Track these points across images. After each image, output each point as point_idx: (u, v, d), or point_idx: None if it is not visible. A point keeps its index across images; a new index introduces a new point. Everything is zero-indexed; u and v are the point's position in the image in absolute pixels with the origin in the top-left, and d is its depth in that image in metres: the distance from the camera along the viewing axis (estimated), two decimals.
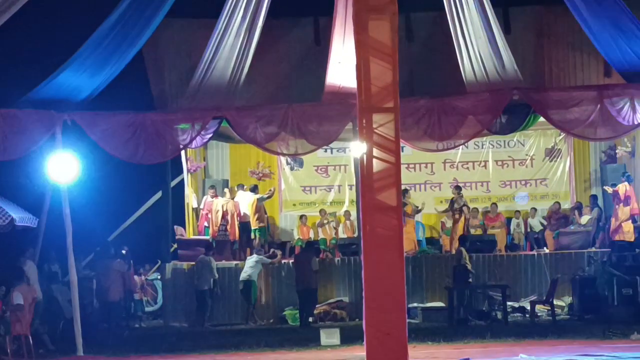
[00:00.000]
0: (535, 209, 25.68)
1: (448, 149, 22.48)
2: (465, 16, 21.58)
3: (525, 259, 23.39)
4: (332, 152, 26.77)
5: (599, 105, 20.12)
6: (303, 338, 19.26)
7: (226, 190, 25.14)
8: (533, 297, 22.28)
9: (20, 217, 19.98)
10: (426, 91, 22.08)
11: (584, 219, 24.68)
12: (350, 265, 22.95)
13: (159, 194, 24.95)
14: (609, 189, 24.25)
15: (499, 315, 21.48)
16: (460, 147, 24.30)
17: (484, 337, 18.48)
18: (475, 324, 21.03)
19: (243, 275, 22.50)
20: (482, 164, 27.08)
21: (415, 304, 22.32)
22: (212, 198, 24.73)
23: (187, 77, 22.58)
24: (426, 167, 27.06)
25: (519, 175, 27.07)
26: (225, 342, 19.14)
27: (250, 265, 22.58)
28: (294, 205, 27.25)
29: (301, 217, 26.00)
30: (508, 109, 20.83)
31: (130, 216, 26.26)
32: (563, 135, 25.88)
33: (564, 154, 26.94)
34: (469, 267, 21.69)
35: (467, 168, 27.09)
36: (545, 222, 25.18)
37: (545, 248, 24.27)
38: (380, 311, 12.20)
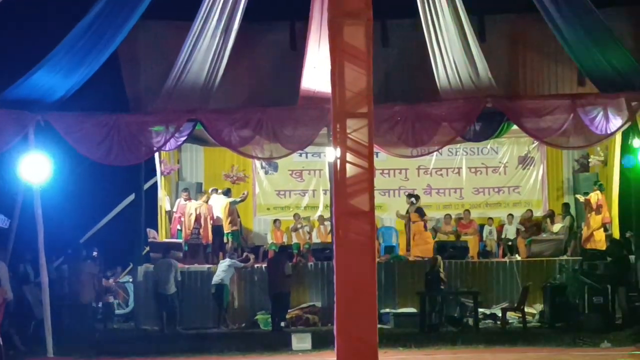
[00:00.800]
0: (512, 216, 25.74)
1: (422, 155, 22.53)
2: (440, 24, 21.64)
3: (497, 266, 23.46)
4: (307, 157, 26.76)
5: (572, 114, 20.24)
6: (274, 342, 19.25)
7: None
8: (504, 304, 22.35)
9: None
10: (401, 98, 22.13)
11: (556, 227, 24.80)
12: (323, 270, 22.98)
13: (132, 197, 24.84)
14: (581, 198, 24.41)
15: (470, 321, 21.51)
16: (434, 153, 24.39)
17: (455, 344, 18.53)
18: (446, 330, 21.06)
19: (215, 279, 22.47)
20: (456, 170, 27.16)
21: (387, 310, 22.37)
22: (186, 201, 24.70)
23: (162, 79, 22.47)
24: (400, 173, 27.11)
25: (492, 182, 27.16)
26: (197, 346, 19.12)
27: (222, 269, 22.55)
28: (268, 209, 27.23)
29: (275, 221, 25.98)
30: (482, 116, 20.92)
31: (103, 218, 26.14)
32: (536, 143, 26.00)
33: (537, 162, 27.06)
34: (443, 275, 21.73)
35: (441, 175, 27.16)
36: (522, 229, 25.25)
37: (517, 255, 24.34)
38: (351, 316, 12.22)
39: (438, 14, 21.59)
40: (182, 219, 24.51)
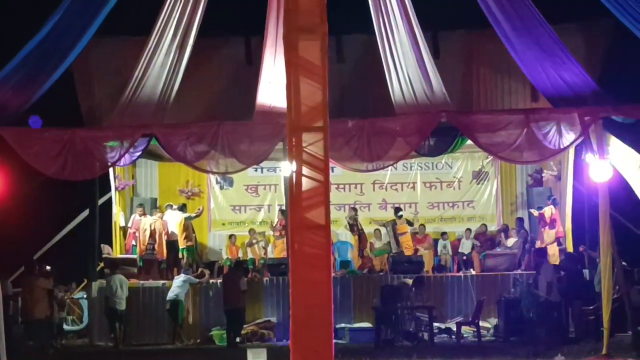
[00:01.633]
0: (470, 230, 25.79)
1: (377, 169, 22.62)
2: (395, 39, 21.82)
3: (452, 281, 23.55)
4: (262, 172, 26.72)
5: (525, 129, 20.41)
6: (230, 358, 19.24)
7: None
8: (459, 319, 22.42)
9: None
10: (356, 113, 22.22)
11: (510, 242, 24.93)
12: (279, 285, 22.93)
13: (86, 212, 24.69)
14: (535, 212, 24.60)
15: (426, 336, 21.52)
16: (390, 168, 24.51)
17: (410, 358, 18.51)
18: (402, 344, 21.07)
19: (170, 295, 22.36)
20: (411, 185, 27.22)
21: (342, 324, 22.37)
22: (141, 216, 24.58)
23: (116, 94, 22.45)
24: (356, 187, 27.15)
25: (447, 197, 27.25)
26: None
27: (177, 285, 22.45)
28: (223, 224, 27.15)
29: (230, 236, 25.87)
30: (436, 131, 21.05)
31: (57, 234, 25.95)
32: (490, 158, 26.15)
33: (491, 177, 27.20)
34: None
35: (396, 189, 27.22)
36: (477, 243, 25.36)
37: (472, 270, 24.43)
38: (306, 330, 12.17)
39: (393, 30, 21.77)
40: (137, 234, 24.39)
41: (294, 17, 12.34)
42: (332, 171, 22.05)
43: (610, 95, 21.15)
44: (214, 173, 24.08)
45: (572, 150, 23.25)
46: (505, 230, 25.54)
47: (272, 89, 21.48)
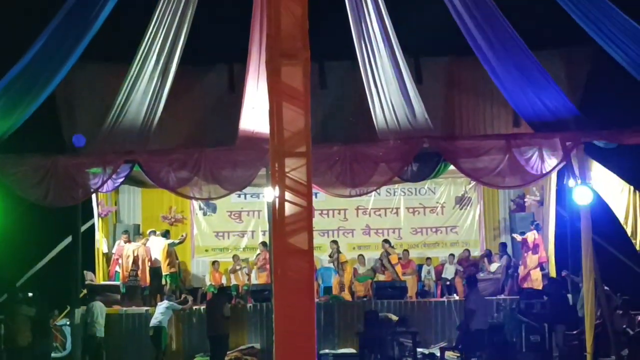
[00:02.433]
0: (453, 255, 25.80)
1: (360, 195, 22.56)
2: (377, 65, 21.89)
3: (435, 306, 23.52)
4: (245, 198, 26.71)
5: (507, 155, 20.48)
6: None
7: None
8: (443, 344, 22.39)
9: None
10: (339, 138, 22.27)
11: (494, 267, 24.94)
12: (262, 312, 22.86)
13: (69, 239, 24.59)
14: (518, 237, 24.64)
15: None
16: (373, 193, 24.53)
17: None
18: None
19: (153, 321, 22.24)
20: (394, 210, 27.24)
21: (326, 350, 22.28)
22: (126, 243, 24.52)
23: (99, 121, 22.42)
24: (339, 213, 27.15)
25: (430, 222, 27.28)
26: None
27: (160, 311, 22.33)
28: (207, 250, 27.10)
29: (213, 262, 25.82)
30: (419, 157, 21.08)
31: (40, 260, 25.82)
32: (473, 183, 26.22)
33: (474, 202, 27.24)
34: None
35: (379, 215, 27.23)
36: (460, 268, 25.37)
37: (455, 295, 24.43)
38: (290, 356, 12.17)
39: (375, 55, 21.84)
40: (120, 260, 24.32)
41: (276, 43, 12.42)
42: (316, 197, 22.05)
43: (591, 121, 21.26)
44: (197, 199, 24.06)
45: (554, 175, 23.32)
46: (488, 255, 25.54)
47: (255, 114, 21.48)
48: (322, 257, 26.05)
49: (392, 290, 23.68)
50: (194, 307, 23.34)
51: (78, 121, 24.42)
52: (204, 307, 22.95)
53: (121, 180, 21.34)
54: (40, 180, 19.98)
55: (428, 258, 25.94)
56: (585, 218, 19.87)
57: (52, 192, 20.06)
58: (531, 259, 24.11)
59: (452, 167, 21.54)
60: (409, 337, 21.74)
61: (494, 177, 21.06)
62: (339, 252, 25.11)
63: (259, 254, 25.17)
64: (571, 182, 20.63)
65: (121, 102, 21.71)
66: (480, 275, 24.74)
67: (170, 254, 24.59)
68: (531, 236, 24.22)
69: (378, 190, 24.19)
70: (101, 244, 25.29)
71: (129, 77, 21.64)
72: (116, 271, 24.63)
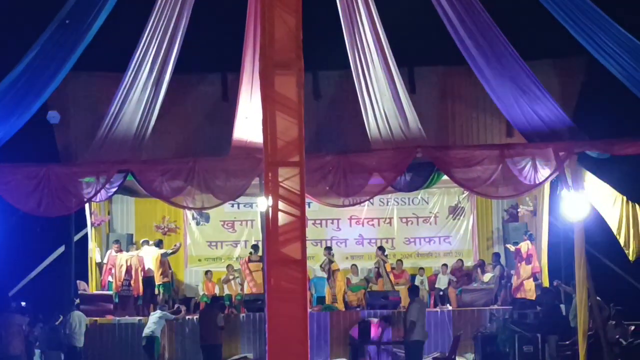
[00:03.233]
0: (446, 265, 25.82)
1: (353, 204, 22.58)
2: (370, 75, 21.91)
3: (428, 316, 23.40)
4: (238, 207, 26.71)
5: (501, 164, 20.49)
6: None
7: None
8: (436, 354, 22.36)
9: None
10: (332, 148, 22.29)
11: (487, 277, 24.93)
12: (256, 321, 22.83)
13: (62, 248, 24.59)
14: (512, 247, 24.64)
15: None
16: (366, 203, 24.53)
17: None
18: None
19: (146, 331, 22.18)
20: (387, 220, 27.26)
21: None
22: (117, 252, 24.49)
23: (92, 130, 22.41)
24: (332, 223, 27.16)
25: (423, 232, 27.30)
26: None
27: (153, 321, 22.27)
28: (200, 260, 27.08)
29: (206, 272, 25.81)
30: (412, 166, 21.09)
31: (33, 270, 25.79)
32: (466, 193, 26.25)
33: (467, 212, 27.26)
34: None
35: (373, 224, 27.26)
36: (453, 278, 25.37)
37: (448, 305, 24.42)
38: None
39: (369, 65, 21.88)
40: (113, 270, 24.29)
41: (270, 53, 12.43)
42: (309, 206, 22.09)
43: (585, 131, 21.30)
44: (190, 209, 24.07)
45: (547, 186, 23.34)
46: (481, 265, 25.54)
47: (248, 124, 21.49)
48: (315, 267, 26.02)
49: (385, 300, 23.67)
50: (187, 317, 23.27)
51: (71, 130, 24.43)
52: (197, 316, 22.91)
53: (114, 189, 21.31)
54: (34, 190, 19.95)
55: (421, 268, 25.95)
56: (579, 228, 19.89)
57: (45, 202, 20.02)
58: (524, 269, 24.11)
59: (445, 177, 21.55)
60: (402, 347, 21.70)
61: (487, 187, 21.07)
62: (330, 261, 25.06)
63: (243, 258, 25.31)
64: (564, 193, 20.64)
65: (115, 111, 21.69)
66: (474, 285, 24.74)
67: (164, 263, 24.57)
68: (524, 246, 24.22)
69: (371, 200, 24.17)
70: (94, 253, 25.24)
71: (122, 87, 21.63)
72: (109, 281, 24.56)
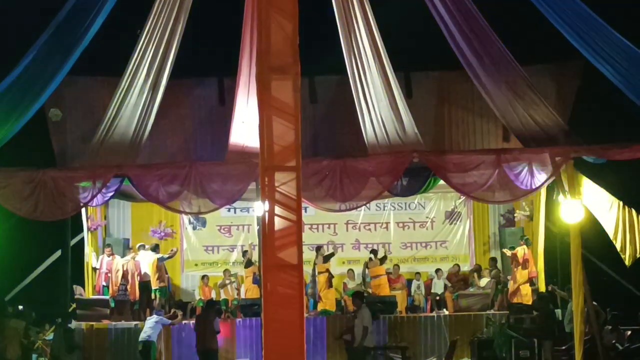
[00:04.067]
0: (440, 270, 25.80)
1: (350, 209, 22.62)
2: (367, 80, 21.93)
3: (425, 321, 23.48)
4: (235, 212, 26.70)
5: (497, 169, 20.51)
6: None
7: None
8: (432, 359, 22.38)
9: None
10: (329, 152, 22.29)
11: (483, 282, 24.93)
12: (252, 326, 22.82)
13: (58, 253, 24.57)
14: (508, 252, 24.63)
15: None
16: (363, 208, 24.54)
17: None
18: None
19: (142, 336, 22.14)
20: (384, 225, 27.24)
21: None
22: (109, 257, 24.48)
23: (89, 135, 22.43)
24: (329, 227, 27.14)
25: (420, 237, 27.28)
26: None
27: (149, 326, 22.25)
28: (196, 265, 27.06)
29: (203, 277, 25.78)
30: (409, 171, 21.11)
31: (29, 275, 25.77)
32: (463, 198, 26.24)
33: (463, 217, 27.26)
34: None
35: (369, 229, 27.23)
36: (449, 283, 25.36)
37: (445, 310, 24.43)
38: None
39: (365, 70, 21.89)
40: (109, 275, 24.27)
41: (266, 58, 12.42)
42: (305, 211, 22.08)
43: (581, 136, 21.32)
44: (186, 213, 24.04)
45: (543, 191, 23.38)
46: (478, 270, 25.55)
47: (245, 128, 21.50)
48: (311, 272, 26.01)
49: (382, 304, 23.65)
50: (184, 322, 23.27)
51: (67, 135, 24.43)
52: (194, 321, 22.88)
53: (111, 194, 21.32)
54: (30, 194, 19.95)
55: (417, 273, 25.98)
56: (575, 233, 19.90)
57: (42, 206, 20.03)
58: (521, 274, 24.09)
59: (442, 181, 21.57)
60: (399, 352, 21.70)
61: (483, 192, 21.10)
62: (316, 263, 24.99)
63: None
64: (560, 197, 20.65)
65: (111, 116, 21.71)
66: (470, 290, 24.74)
67: (160, 268, 24.53)
68: (521, 251, 24.21)
69: (368, 205, 24.19)
70: (90, 258, 25.20)
71: (119, 91, 21.64)
72: (103, 285, 24.52)
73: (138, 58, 21.67)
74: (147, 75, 21.65)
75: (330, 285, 24.60)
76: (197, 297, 25.57)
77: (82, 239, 25.40)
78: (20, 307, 22.71)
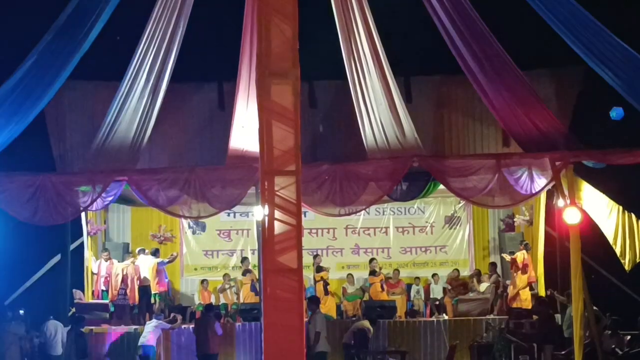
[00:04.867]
0: (437, 275, 25.80)
1: (350, 214, 22.59)
2: (367, 84, 21.94)
3: (424, 325, 23.47)
4: (234, 216, 26.68)
5: (497, 174, 20.53)
6: None
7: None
8: None
9: None
10: (328, 157, 22.29)
11: (483, 286, 24.92)
12: (252, 331, 22.81)
13: (58, 257, 24.55)
14: (508, 257, 24.62)
15: None
16: (362, 213, 24.55)
17: None
18: None
19: (142, 340, 22.17)
20: (383, 230, 27.21)
21: None
22: (106, 261, 24.46)
23: (89, 139, 22.42)
24: (328, 232, 27.12)
25: (419, 242, 27.26)
26: None
27: (149, 330, 22.26)
28: (196, 269, 27.03)
29: (203, 281, 25.79)
30: (408, 176, 21.14)
31: (29, 279, 25.74)
32: (462, 203, 26.20)
33: (463, 222, 27.24)
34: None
35: (369, 234, 27.21)
36: (449, 288, 25.35)
37: (444, 314, 24.41)
38: None
39: (365, 75, 21.91)
40: (109, 279, 24.25)
41: (266, 62, 12.45)
42: (305, 216, 22.05)
43: (581, 140, 21.33)
44: (186, 218, 24.05)
45: (543, 195, 23.37)
46: (477, 275, 25.54)
47: (244, 133, 21.50)
48: (310, 276, 26.00)
49: (382, 309, 23.65)
50: (183, 326, 23.25)
51: (67, 139, 24.44)
52: (193, 326, 22.88)
53: (111, 198, 21.32)
54: (30, 199, 19.95)
55: (417, 278, 25.99)
56: (574, 238, 19.89)
57: (42, 211, 20.04)
58: (520, 279, 24.09)
59: (441, 186, 21.59)
60: (398, 357, 21.69)
61: (483, 197, 21.11)
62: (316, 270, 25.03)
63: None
64: (560, 202, 20.65)
65: (111, 120, 21.70)
66: (470, 295, 24.73)
67: (160, 272, 24.53)
68: (521, 256, 24.19)
69: (367, 210, 24.17)
70: (90, 262, 25.16)
71: (119, 96, 21.64)
72: (102, 289, 24.50)
73: (138, 63, 21.67)
74: (147, 79, 21.64)
75: (326, 293, 24.60)
76: (197, 302, 25.56)
77: (82, 243, 25.36)
78: (22, 311, 22.67)
